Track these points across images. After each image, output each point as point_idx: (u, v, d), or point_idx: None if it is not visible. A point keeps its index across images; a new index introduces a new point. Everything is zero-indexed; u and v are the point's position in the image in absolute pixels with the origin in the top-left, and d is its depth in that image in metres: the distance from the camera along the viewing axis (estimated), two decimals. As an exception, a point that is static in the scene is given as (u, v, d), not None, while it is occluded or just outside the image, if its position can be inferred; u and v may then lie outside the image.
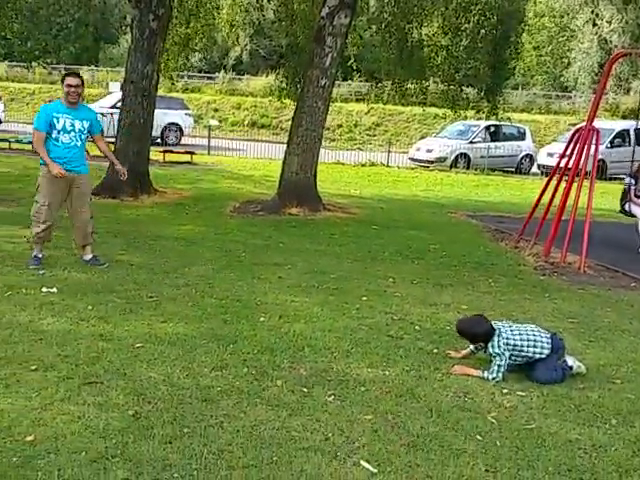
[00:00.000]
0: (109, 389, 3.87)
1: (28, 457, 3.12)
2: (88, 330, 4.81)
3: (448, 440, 3.55)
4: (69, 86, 6.35)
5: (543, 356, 4.47)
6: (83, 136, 6.55)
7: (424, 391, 4.16)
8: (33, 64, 12.02)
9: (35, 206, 6.50)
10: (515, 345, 4.47)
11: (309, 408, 3.82)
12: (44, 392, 3.78)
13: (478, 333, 4.56)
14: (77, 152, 6.54)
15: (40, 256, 6.55)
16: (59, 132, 6.38)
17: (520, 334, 4.53)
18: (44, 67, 13.43)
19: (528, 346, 4.49)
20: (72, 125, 6.42)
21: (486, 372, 4.42)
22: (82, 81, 6.50)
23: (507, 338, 4.48)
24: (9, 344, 4.44)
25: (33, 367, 4.10)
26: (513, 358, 4.48)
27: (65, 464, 3.07)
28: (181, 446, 3.30)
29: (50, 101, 9.09)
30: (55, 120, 6.35)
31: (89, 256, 6.73)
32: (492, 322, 4.61)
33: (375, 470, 3.21)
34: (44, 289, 5.68)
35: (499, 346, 4.43)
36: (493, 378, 4.38)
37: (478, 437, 3.61)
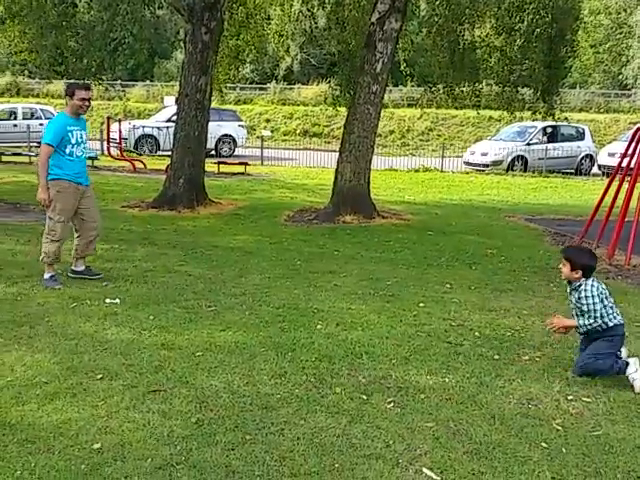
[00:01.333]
0: (172, 397, 3.94)
1: (96, 464, 3.19)
2: (150, 340, 4.91)
3: (512, 448, 3.48)
4: (83, 100, 6.12)
5: (617, 322, 4.51)
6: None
7: (486, 398, 4.10)
8: (90, 81, 12.35)
9: (50, 223, 6.22)
10: (608, 294, 4.56)
11: (369, 415, 3.80)
12: (110, 400, 3.87)
13: (585, 263, 4.58)
14: (85, 163, 6.42)
15: (55, 274, 6.35)
16: (73, 146, 6.15)
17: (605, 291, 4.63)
18: (100, 84, 13.78)
19: (612, 302, 4.58)
20: (81, 137, 6.24)
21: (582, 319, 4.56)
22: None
23: (600, 286, 4.57)
24: (75, 354, 4.57)
25: (99, 376, 4.20)
26: (599, 305, 4.49)
27: (132, 471, 3.14)
28: (244, 453, 3.33)
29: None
30: (70, 134, 6.11)
31: (82, 267, 6.57)
32: None
33: (438, 478, 3.18)
34: (107, 300, 5.82)
35: (596, 287, 4.50)
36: (590, 324, 4.50)
37: (543, 444, 3.53)
